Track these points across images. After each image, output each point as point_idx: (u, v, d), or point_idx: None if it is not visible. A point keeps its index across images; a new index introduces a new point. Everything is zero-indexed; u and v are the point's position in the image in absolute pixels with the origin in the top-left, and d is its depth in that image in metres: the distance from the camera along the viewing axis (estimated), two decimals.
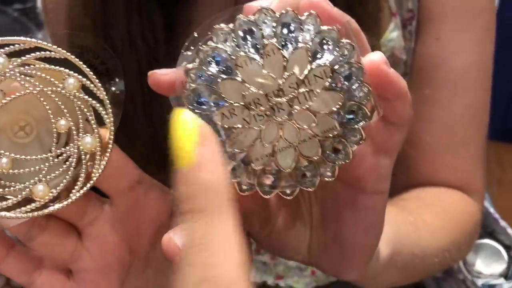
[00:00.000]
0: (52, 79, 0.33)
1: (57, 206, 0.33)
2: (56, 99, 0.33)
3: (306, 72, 0.29)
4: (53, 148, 0.33)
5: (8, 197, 0.33)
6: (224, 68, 0.29)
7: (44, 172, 0.33)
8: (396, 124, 0.33)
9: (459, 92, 0.60)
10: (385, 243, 0.43)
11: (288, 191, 0.31)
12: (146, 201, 0.38)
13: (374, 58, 0.30)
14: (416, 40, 0.61)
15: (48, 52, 0.33)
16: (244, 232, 0.38)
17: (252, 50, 0.29)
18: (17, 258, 0.36)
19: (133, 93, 0.56)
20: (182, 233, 0.32)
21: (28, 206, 0.33)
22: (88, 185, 0.33)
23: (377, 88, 0.31)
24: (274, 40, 0.29)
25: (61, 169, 0.33)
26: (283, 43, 0.29)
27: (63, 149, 0.33)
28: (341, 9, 0.52)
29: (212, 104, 0.29)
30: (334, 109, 0.29)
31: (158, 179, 0.59)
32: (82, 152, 0.33)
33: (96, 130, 0.33)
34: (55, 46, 0.33)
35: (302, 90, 0.29)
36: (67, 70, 0.33)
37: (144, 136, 0.58)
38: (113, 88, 0.36)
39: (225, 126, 0.29)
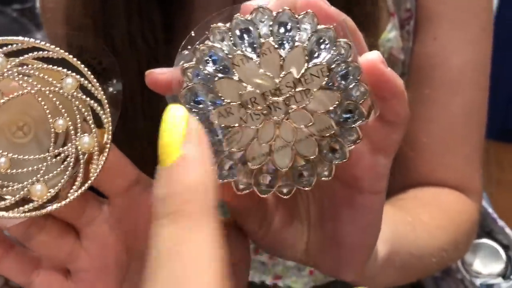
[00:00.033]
0: (50, 79, 0.33)
1: (55, 206, 0.33)
2: (54, 99, 0.33)
3: (303, 71, 0.29)
4: (51, 148, 0.33)
5: (6, 197, 0.33)
6: (221, 67, 0.29)
7: (42, 172, 0.33)
8: (393, 123, 0.33)
9: (457, 91, 0.61)
10: (383, 242, 0.44)
11: (285, 191, 0.31)
12: (143, 201, 0.38)
13: (371, 57, 0.30)
14: (414, 40, 0.61)
15: (46, 52, 0.33)
16: (242, 232, 0.38)
17: (249, 49, 0.29)
18: (15, 258, 0.36)
19: (132, 93, 0.56)
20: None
21: (26, 206, 0.33)
22: (86, 185, 0.33)
23: (374, 87, 0.31)
24: (271, 39, 0.29)
25: (59, 169, 0.33)
26: (280, 42, 0.29)
27: (61, 149, 0.33)
28: (339, 8, 0.53)
29: (209, 103, 0.29)
30: (331, 108, 0.29)
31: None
32: (80, 152, 0.33)
33: (94, 130, 0.33)
34: (53, 46, 0.33)
35: (298, 89, 0.29)
36: (65, 70, 0.33)
37: (143, 136, 0.58)
38: (111, 88, 0.36)
39: (221, 125, 0.29)
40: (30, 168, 0.33)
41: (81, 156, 0.33)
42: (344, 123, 0.30)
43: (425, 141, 0.61)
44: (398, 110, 0.32)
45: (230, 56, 0.29)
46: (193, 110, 0.30)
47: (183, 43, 0.33)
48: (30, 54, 0.33)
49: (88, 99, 0.33)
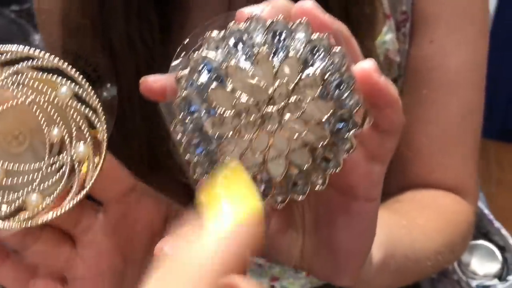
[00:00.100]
0: (44, 88, 0.33)
1: (51, 215, 0.33)
2: (49, 108, 0.33)
3: (296, 81, 0.29)
4: (46, 157, 0.33)
5: (2, 206, 0.33)
6: (215, 77, 0.29)
7: (37, 181, 0.33)
8: (387, 131, 0.33)
9: (453, 92, 0.61)
10: (378, 247, 0.44)
11: (279, 199, 0.31)
12: (139, 208, 0.38)
13: (365, 66, 0.30)
14: (410, 43, 0.61)
15: (41, 61, 0.33)
16: None
17: (243, 59, 0.29)
18: (11, 267, 0.36)
19: (130, 93, 0.56)
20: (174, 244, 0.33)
21: (22, 216, 0.33)
22: (82, 194, 0.34)
23: (368, 96, 0.31)
24: (265, 49, 0.29)
25: (54, 178, 0.33)
26: (274, 52, 0.29)
27: (56, 158, 0.33)
28: (339, 10, 0.53)
29: (203, 113, 0.29)
30: (325, 118, 0.29)
31: (153, 179, 0.59)
32: (75, 160, 0.33)
33: (89, 139, 0.34)
34: (48, 55, 0.33)
35: (292, 99, 0.29)
36: (59, 79, 0.33)
37: (140, 136, 0.58)
38: (106, 94, 0.37)
39: (215, 134, 0.29)
40: (25, 178, 0.33)
41: (76, 165, 0.34)
42: (338, 132, 0.30)
43: (422, 142, 0.61)
44: (392, 118, 0.32)
45: (224, 65, 0.29)
46: (187, 119, 0.30)
47: (177, 50, 0.33)
48: (25, 63, 0.33)
49: (83, 108, 0.33)
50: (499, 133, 2.00)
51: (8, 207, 0.33)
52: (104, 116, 0.34)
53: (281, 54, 0.29)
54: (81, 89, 0.33)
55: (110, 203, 0.37)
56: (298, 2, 0.31)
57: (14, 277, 0.36)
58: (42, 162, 0.33)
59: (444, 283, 0.66)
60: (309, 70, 0.29)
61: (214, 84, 0.29)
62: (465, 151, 0.63)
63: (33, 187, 0.33)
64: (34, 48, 0.33)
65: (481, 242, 0.67)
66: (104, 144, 0.34)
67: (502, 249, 0.66)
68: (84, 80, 0.33)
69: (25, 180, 0.33)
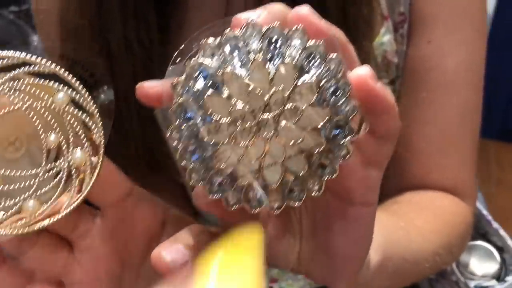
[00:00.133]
0: (41, 94, 0.33)
1: (47, 221, 0.33)
2: (46, 114, 0.33)
3: (292, 88, 0.29)
4: (43, 163, 0.33)
5: None
6: (210, 84, 0.29)
7: (34, 187, 0.33)
8: (384, 137, 0.33)
9: (452, 93, 0.61)
10: (375, 249, 0.44)
11: (275, 206, 0.31)
12: (136, 213, 0.38)
13: (361, 72, 0.30)
14: (408, 44, 0.61)
15: (37, 67, 0.33)
16: None
17: (238, 66, 0.29)
18: (8, 272, 0.36)
19: (127, 94, 0.56)
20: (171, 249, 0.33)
21: (19, 222, 0.33)
22: (79, 200, 0.34)
23: (364, 102, 0.31)
24: (260, 56, 0.29)
25: (51, 184, 0.33)
26: (269, 59, 0.29)
27: (53, 164, 0.33)
28: (336, 11, 0.53)
29: (199, 119, 0.29)
30: (321, 124, 0.29)
31: (150, 180, 0.59)
32: (72, 166, 0.33)
33: (86, 144, 0.34)
34: (45, 60, 0.33)
35: (288, 106, 0.29)
36: (56, 85, 0.33)
37: (137, 137, 0.58)
38: (103, 98, 0.37)
39: (211, 141, 0.29)
40: (22, 184, 0.33)
41: (73, 171, 0.34)
42: (334, 138, 0.30)
43: (420, 143, 0.61)
44: (388, 124, 0.32)
45: (220, 72, 0.29)
46: (183, 126, 0.30)
47: (174, 56, 0.33)
48: (22, 69, 0.33)
49: (80, 113, 0.33)
50: (499, 133, 2.01)
51: (5, 214, 0.33)
52: (101, 122, 0.34)
53: (277, 61, 0.29)
54: (78, 94, 0.33)
55: (107, 208, 0.37)
56: (294, 8, 0.31)
57: (11, 282, 0.36)
58: (39, 168, 0.33)
59: (443, 284, 0.66)
60: (305, 77, 0.29)
61: (210, 91, 0.29)
62: (464, 152, 0.63)
63: (30, 193, 0.33)
64: (30, 54, 0.33)
65: (479, 242, 0.67)
66: (101, 150, 0.34)
67: (500, 249, 0.66)
68: (81, 86, 0.33)
69: (21, 186, 0.33)
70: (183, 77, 0.30)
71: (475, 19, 0.60)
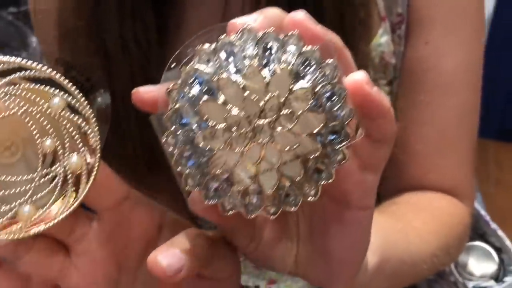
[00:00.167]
0: (37, 99, 0.33)
1: (43, 226, 0.33)
2: (42, 119, 0.33)
3: (287, 94, 0.29)
4: (39, 168, 0.33)
5: None
6: (206, 89, 0.29)
7: (30, 192, 0.33)
8: (380, 141, 0.33)
9: (449, 94, 0.61)
10: (373, 251, 0.44)
11: (271, 211, 0.31)
12: (133, 217, 0.38)
13: (357, 78, 0.30)
14: (406, 44, 0.61)
15: (33, 72, 0.33)
16: (232, 246, 0.38)
17: (234, 72, 0.29)
18: (4, 276, 0.36)
19: (124, 94, 0.56)
20: (168, 253, 0.33)
21: (14, 227, 0.33)
22: (75, 205, 0.34)
23: (360, 107, 0.31)
24: (256, 61, 0.29)
25: (47, 189, 0.33)
26: (265, 64, 0.29)
27: (49, 169, 0.33)
28: (333, 14, 0.53)
29: (195, 125, 0.29)
30: (316, 130, 0.29)
31: (149, 181, 0.59)
32: (69, 171, 0.33)
33: (82, 149, 0.34)
34: (40, 65, 0.33)
35: (283, 112, 0.29)
36: (52, 90, 0.33)
37: (135, 138, 0.58)
38: (99, 102, 0.36)
39: (207, 147, 0.29)
40: (18, 189, 0.33)
41: (69, 176, 0.34)
42: (330, 144, 0.30)
43: (418, 144, 0.61)
44: (385, 128, 0.32)
45: (215, 78, 0.29)
46: (179, 132, 0.30)
47: (169, 61, 0.33)
48: (17, 74, 0.33)
49: (76, 118, 0.33)
50: (497, 133, 2.01)
51: (1, 219, 0.33)
52: (97, 127, 0.34)
53: (272, 67, 0.29)
54: (74, 99, 0.33)
55: (104, 212, 0.37)
56: (290, 13, 0.31)
57: (7, 287, 0.36)
58: (35, 173, 0.33)
59: (441, 284, 0.66)
60: (301, 83, 0.29)
61: (205, 97, 0.29)
62: (462, 153, 0.63)
63: (26, 199, 0.33)
64: (26, 60, 0.33)
65: (477, 243, 0.67)
66: (98, 154, 0.34)
67: (498, 250, 0.67)
68: (77, 90, 0.33)
69: (17, 191, 0.33)
70: (178, 83, 0.30)
71: (473, 19, 0.60)
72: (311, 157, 0.30)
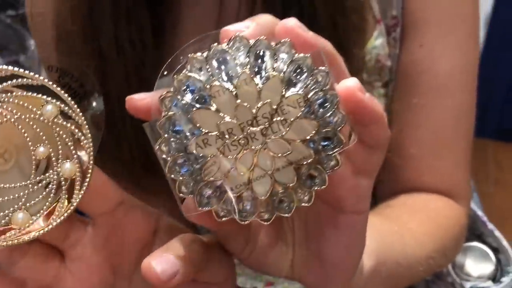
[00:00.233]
0: (30, 106, 0.33)
1: (37, 233, 0.33)
2: (35, 126, 0.33)
3: (279, 101, 0.29)
4: (32, 175, 0.33)
5: None
6: (198, 97, 0.29)
7: (23, 199, 0.33)
8: (373, 146, 0.33)
9: (443, 97, 0.61)
10: (369, 254, 0.44)
11: (265, 217, 0.32)
12: (128, 221, 0.38)
13: (349, 84, 0.30)
14: (401, 47, 0.61)
15: (26, 80, 0.33)
16: (227, 251, 0.38)
17: (226, 79, 0.29)
18: None
19: (119, 95, 0.56)
20: (161, 259, 0.33)
21: (8, 234, 0.33)
22: (69, 211, 0.34)
23: (352, 114, 0.31)
24: (247, 69, 0.29)
25: (41, 196, 0.33)
26: (256, 72, 0.29)
27: (42, 176, 0.33)
28: (326, 19, 0.53)
29: (188, 133, 0.30)
30: (309, 136, 0.30)
31: (145, 182, 0.59)
32: (62, 178, 0.33)
33: (75, 156, 0.34)
34: (33, 73, 0.33)
35: (276, 119, 0.29)
36: (45, 97, 0.33)
37: (130, 139, 0.58)
38: (93, 108, 0.36)
39: (200, 154, 0.29)
40: (11, 196, 0.33)
41: (63, 182, 0.34)
42: (322, 150, 0.30)
43: (413, 146, 0.61)
44: (378, 134, 0.32)
45: (207, 86, 0.29)
46: (172, 139, 0.30)
47: (163, 68, 0.33)
48: (10, 82, 0.33)
49: (69, 125, 0.33)
50: (496, 133, 2.01)
51: None
52: (90, 134, 0.34)
53: (264, 75, 0.29)
54: (67, 106, 0.33)
55: (98, 217, 0.37)
56: (281, 21, 0.31)
57: None
58: (28, 180, 0.33)
59: (439, 285, 0.67)
60: (293, 90, 0.29)
61: (198, 105, 0.29)
62: (458, 154, 0.63)
63: (20, 205, 0.33)
64: (18, 68, 0.33)
65: (474, 244, 0.67)
66: (91, 161, 0.34)
67: (495, 250, 0.67)
68: (70, 98, 0.33)
69: (11, 198, 0.33)
70: (171, 91, 0.30)
71: (468, 21, 0.60)
72: (304, 163, 0.30)
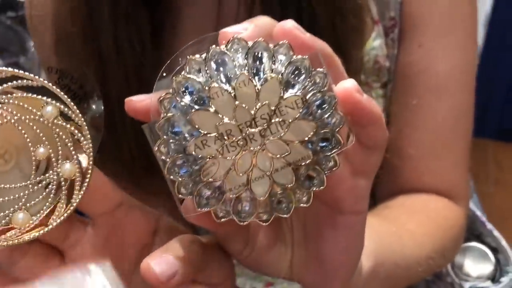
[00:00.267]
0: (30, 108, 0.33)
1: (37, 233, 0.33)
2: (35, 127, 0.33)
3: (278, 102, 0.29)
4: (32, 176, 0.34)
5: None
6: (197, 99, 0.29)
7: (24, 199, 0.33)
8: (371, 147, 0.33)
9: (442, 97, 0.61)
10: (367, 255, 0.44)
11: (264, 218, 0.32)
12: (128, 222, 0.38)
13: (347, 86, 0.31)
14: (399, 48, 0.61)
15: (26, 81, 0.33)
16: (226, 251, 0.39)
17: (224, 81, 0.29)
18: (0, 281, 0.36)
19: (119, 95, 0.56)
20: (160, 260, 0.33)
21: (8, 234, 0.33)
22: (68, 211, 0.34)
23: (350, 115, 0.31)
24: (246, 71, 0.29)
25: (41, 196, 0.34)
26: (255, 74, 0.29)
27: (42, 176, 0.34)
28: (326, 23, 0.53)
29: (187, 134, 0.30)
30: (307, 137, 0.30)
31: (145, 183, 0.59)
32: (62, 178, 0.34)
33: (75, 156, 0.34)
34: (32, 75, 0.33)
35: (274, 120, 0.29)
36: (45, 98, 0.33)
37: (130, 139, 0.59)
38: (93, 110, 0.37)
39: (199, 156, 0.30)
40: (12, 197, 0.33)
41: (63, 183, 0.34)
42: (321, 151, 0.30)
43: (412, 147, 0.62)
44: (376, 135, 0.32)
45: (206, 88, 0.29)
46: (171, 140, 0.30)
47: (162, 70, 0.33)
48: (10, 83, 0.33)
49: (68, 126, 0.34)
50: (496, 133, 2.01)
51: None
52: (89, 135, 0.34)
53: (262, 76, 0.29)
54: (67, 107, 0.34)
55: (98, 218, 0.37)
56: (279, 23, 0.31)
57: None
58: (29, 181, 0.34)
59: (438, 285, 0.67)
60: (291, 91, 0.29)
61: (197, 106, 0.29)
62: (457, 154, 0.63)
63: (20, 206, 0.33)
64: (18, 69, 0.33)
65: (474, 244, 0.67)
66: (90, 162, 0.34)
67: (494, 250, 0.67)
68: (69, 99, 0.34)
69: (11, 199, 0.33)
70: (170, 92, 0.30)
71: (465, 22, 0.60)
72: (302, 164, 0.30)
